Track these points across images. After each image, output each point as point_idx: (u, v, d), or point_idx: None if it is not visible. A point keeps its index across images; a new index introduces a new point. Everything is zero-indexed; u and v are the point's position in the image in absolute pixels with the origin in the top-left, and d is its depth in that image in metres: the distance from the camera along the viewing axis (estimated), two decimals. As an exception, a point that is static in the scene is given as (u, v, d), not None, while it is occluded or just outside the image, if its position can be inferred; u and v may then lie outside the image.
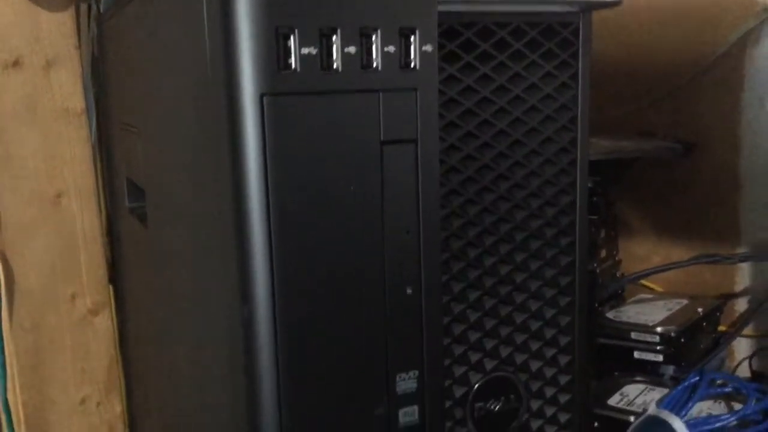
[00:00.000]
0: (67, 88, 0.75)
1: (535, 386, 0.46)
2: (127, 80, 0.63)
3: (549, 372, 0.46)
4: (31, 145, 0.73)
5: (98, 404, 0.81)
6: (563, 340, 0.46)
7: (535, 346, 0.45)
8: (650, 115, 1.09)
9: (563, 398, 0.47)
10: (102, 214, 0.81)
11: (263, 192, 0.34)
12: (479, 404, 0.43)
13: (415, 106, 0.36)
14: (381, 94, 0.36)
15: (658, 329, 0.97)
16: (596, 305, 1.09)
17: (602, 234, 1.11)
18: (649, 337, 0.99)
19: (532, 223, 0.44)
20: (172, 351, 0.57)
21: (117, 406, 0.83)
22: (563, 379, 0.46)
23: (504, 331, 0.44)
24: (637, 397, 0.92)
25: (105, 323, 0.81)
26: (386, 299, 0.37)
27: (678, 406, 0.82)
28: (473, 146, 0.42)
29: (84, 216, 0.78)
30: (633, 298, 1.16)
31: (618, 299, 1.15)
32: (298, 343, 0.36)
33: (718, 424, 0.79)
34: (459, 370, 0.43)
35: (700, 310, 1.05)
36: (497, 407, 0.44)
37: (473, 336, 0.43)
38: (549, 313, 0.45)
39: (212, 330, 0.43)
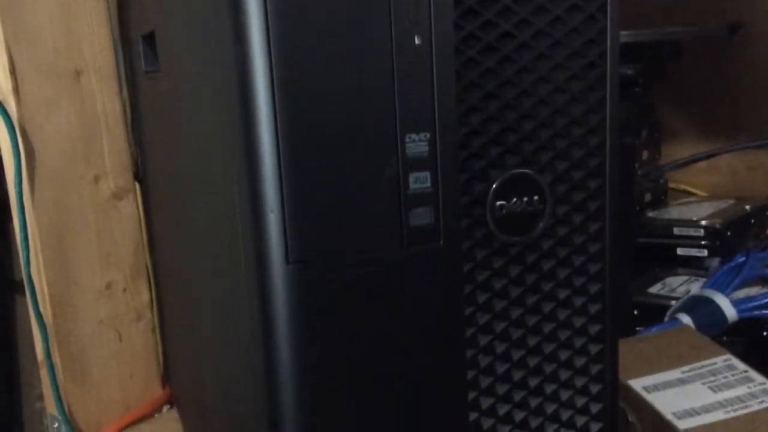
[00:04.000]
0: (83, -41, 0.74)
1: (561, 189, 0.42)
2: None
3: (577, 174, 0.42)
4: (47, 16, 0.71)
5: (124, 290, 0.80)
6: (593, 140, 0.42)
7: (561, 144, 0.42)
8: (694, 2, 1.03)
9: (593, 206, 0.43)
10: (124, 100, 0.79)
11: None
12: (500, 203, 0.40)
13: None
14: None
15: (703, 222, 0.93)
16: (637, 208, 1.05)
17: (644, 135, 1.07)
18: (692, 232, 0.94)
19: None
20: (188, 221, 0.55)
21: (144, 294, 0.82)
22: (593, 184, 0.43)
23: (528, 125, 0.41)
24: (680, 286, 0.87)
25: (130, 208, 0.80)
26: (392, 48, 0.34)
27: (723, 285, 0.77)
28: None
29: (105, 97, 0.77)
30: (676, 201, 1.11)
31: (660, 204, 1.10)
32: (298, 101, 0.33)
33: (765, 300, 0.75)
34: (477, 164, 0.40)
35: (747, 207, 1.00)
36: (520, 208, 0.41)
37: (493, 127, 0.40)
38: (578, 109, 0.42)
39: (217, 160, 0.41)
